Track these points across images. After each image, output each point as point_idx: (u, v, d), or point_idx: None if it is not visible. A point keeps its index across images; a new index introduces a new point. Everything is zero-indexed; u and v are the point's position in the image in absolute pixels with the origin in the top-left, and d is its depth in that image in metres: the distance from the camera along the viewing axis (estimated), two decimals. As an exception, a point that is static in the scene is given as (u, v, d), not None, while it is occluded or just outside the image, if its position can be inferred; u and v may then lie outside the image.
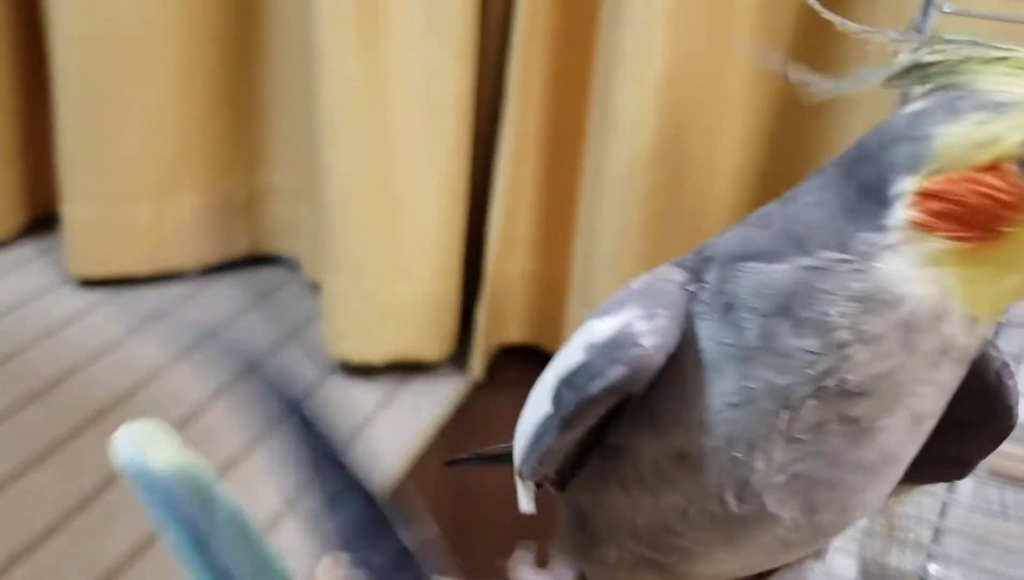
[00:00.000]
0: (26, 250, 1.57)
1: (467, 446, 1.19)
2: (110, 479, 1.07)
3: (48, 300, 1.44)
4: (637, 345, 0.34)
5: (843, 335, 0.32)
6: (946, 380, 0.34)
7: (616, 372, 0.34)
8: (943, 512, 0.64)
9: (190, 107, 1.42)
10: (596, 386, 0.35)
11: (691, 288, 0.35)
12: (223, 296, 1.49)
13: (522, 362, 1.35)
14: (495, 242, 1.25)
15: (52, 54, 1.39)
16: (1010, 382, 0.38)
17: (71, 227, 1.44)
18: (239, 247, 1.55)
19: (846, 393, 0.32)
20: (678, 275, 0.36)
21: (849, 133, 1.13)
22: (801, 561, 0.41)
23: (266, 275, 1.56)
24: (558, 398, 0.37)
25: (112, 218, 1.43)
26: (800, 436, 0.33)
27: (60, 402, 1.20)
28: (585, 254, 1.23)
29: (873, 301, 0.32)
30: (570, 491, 0.43)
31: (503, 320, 1.33)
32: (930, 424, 0.35)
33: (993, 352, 0.38)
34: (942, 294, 0.32)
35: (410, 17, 1.16)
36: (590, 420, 0.36)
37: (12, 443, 1.12)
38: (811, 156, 1.22)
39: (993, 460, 0.63)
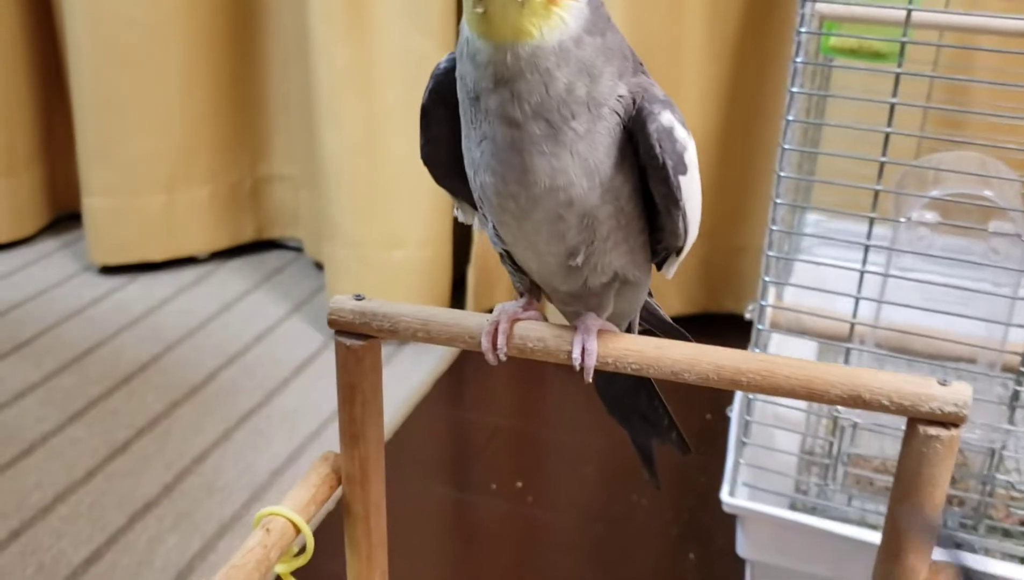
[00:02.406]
0: (50, 244, 1.70)
1: (461, 399, 1.32)
2: (140, 431, 1.19)
3: (73, 285, 1.56)
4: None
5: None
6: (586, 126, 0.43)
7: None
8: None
9: (197, 105, 1.55)
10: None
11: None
12: (232, 278, 1.61)
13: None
14: (480, 212, 1.37)
15: (68, 63, 1.52)
16: (652, 130, 0.44)
17: (91, 219, 1.56)
18: (245, 233, 1.67)
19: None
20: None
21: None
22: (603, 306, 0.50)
23: (271, 258, 1.68)
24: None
25: (128, 209, 1.56)
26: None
27: (90, 370, 1.32)
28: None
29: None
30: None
31: (491, 283, 1.45)
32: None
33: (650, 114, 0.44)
34: None
35: (393, 9, 1.29)
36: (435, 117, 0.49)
37: (50, 405, 1.24)
38: (763, 118, 1.34)
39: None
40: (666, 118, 0.44)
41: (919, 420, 0.39)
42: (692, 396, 1.27)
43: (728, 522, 0.99)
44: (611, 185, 0.45)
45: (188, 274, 1.60)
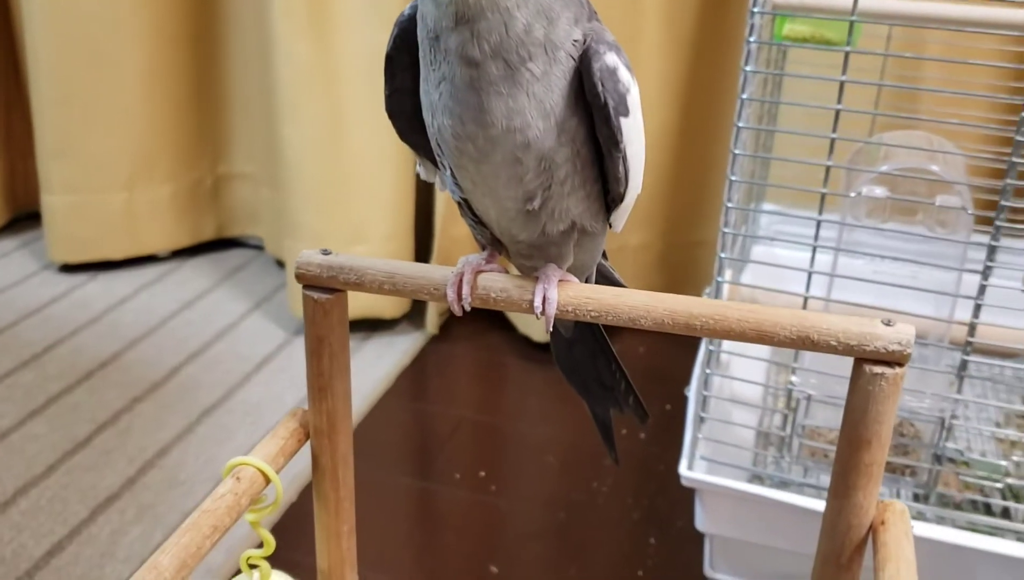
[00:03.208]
0: (8, 243, 1.69)
1: (423, 393, 1.33)
2: (101, 426, 1.18)
3: (32, 284, 1.55)
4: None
5: None
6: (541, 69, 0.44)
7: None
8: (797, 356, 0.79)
9: (157, 103, 1.54)
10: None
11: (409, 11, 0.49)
12: (193, 276, 1.61)
13: (472, 319, 1.48)
14: (442, 208, 1.38)
15: (26, 59, 1.52)
16: (596, 67, 0.44)
17: (51, 217, 1.55)
18: (206, 231, 1.67)
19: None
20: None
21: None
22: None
23: (232, 256, 1.68)
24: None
25: (88, 207, 1.55)
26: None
27: (50, 367, 1.31)
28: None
29: None
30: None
31: (453, 279, 1.45)
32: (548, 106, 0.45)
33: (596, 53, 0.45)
34: None
35: (354, 3, 1.30)
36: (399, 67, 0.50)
37: (9, 401, 1.23)
38: (720, 114, 1.37)
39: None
40: (610, 59, 0.45)
41: (865, 359, 0.41)
42: (652, 386, 1.30)
43: (687, 507, 1.01)
44: (566, 127, 0.45)
45: (149, 272, 1.60)
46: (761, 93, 1.06)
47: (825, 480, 0.83)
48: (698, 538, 0.98)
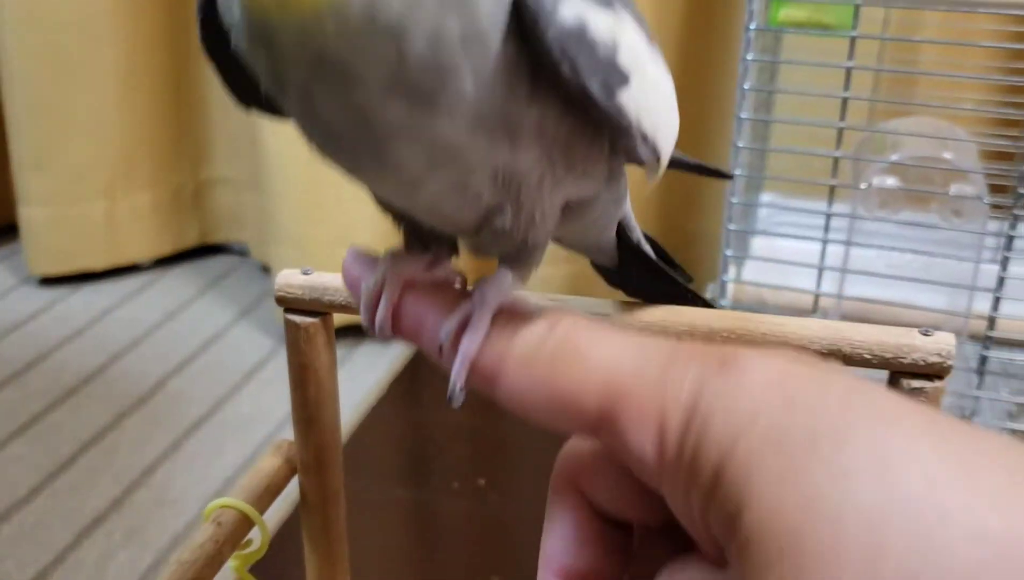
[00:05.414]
0: (-15, 258, 1.65)
1: (418, 399, 1.29)
2: (85, 445, 1.15)
3: (11, 299, 1.51)
4: None
5: None
6: None
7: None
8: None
9: (135, 109, 1.50)
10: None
11: None
12: (177, 284, 1.57)
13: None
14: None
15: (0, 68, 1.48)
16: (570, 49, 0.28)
17: (29, 229, 1.51)
18: (189, 238, 1.63)
19: None
20: None
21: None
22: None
23: (217, 263, 1.64)
24: None
25: (67, 218, 1.51)
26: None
27: (31, 385, 1.27)
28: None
29: None
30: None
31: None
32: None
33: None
34: None
35: None
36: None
37: (-11, 422, 1.19)
38: (711, 112, 1.33)
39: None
40: (568, 14, 0.28)
41: (902, 373, 0.37)
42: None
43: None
44: (525, 123, 0.29)
45: (131, 282, 1.56)
46: (757, 82, 1.03)
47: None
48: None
